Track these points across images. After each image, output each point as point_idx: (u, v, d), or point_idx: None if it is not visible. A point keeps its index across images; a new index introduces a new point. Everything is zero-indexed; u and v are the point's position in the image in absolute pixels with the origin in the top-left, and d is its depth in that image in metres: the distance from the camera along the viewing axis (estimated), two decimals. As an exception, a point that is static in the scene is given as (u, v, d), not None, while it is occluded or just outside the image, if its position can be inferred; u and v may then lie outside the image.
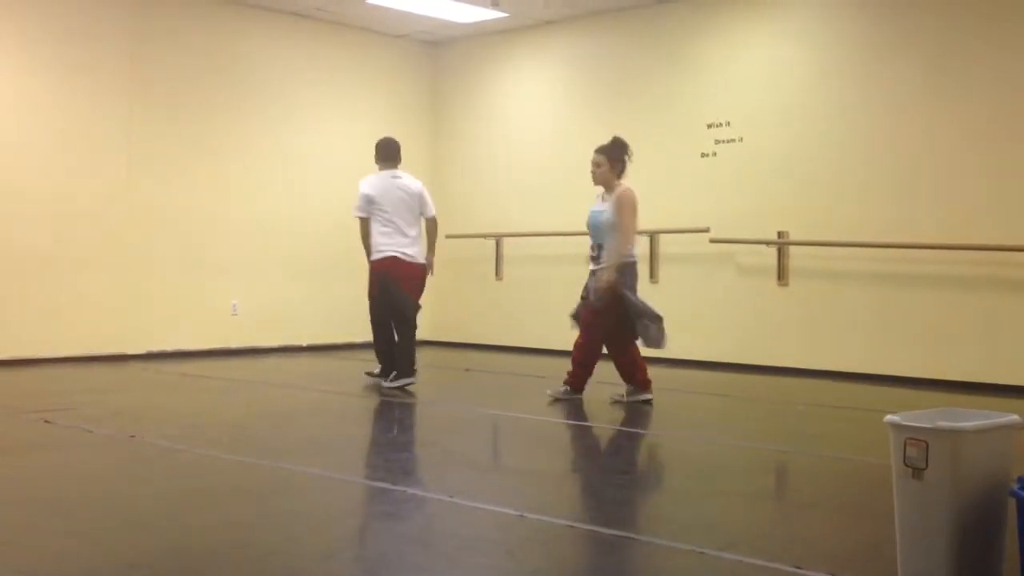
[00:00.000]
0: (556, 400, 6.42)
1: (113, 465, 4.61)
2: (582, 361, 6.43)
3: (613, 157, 6.44)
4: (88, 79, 8.76)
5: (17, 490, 4.08)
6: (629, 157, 6.50)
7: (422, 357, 9.90)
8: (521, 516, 3.63)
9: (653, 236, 9.09)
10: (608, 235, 6.32)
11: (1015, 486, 2.74)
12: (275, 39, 9.92)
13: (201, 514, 3.72)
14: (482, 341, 10.54)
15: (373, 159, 7.31)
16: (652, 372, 6.50)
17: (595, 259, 6.42)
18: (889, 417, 2.88)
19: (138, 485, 4.22)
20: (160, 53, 9.17)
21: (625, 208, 6.31)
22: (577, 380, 6.44)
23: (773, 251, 8.52)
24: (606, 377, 6.62)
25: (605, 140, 6.53)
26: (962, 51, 7.65)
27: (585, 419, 6.04)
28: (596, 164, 6.47)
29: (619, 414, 6.03)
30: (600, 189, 6.54)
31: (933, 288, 7.72)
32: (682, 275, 9.06)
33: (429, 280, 7.26)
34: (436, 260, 7.32)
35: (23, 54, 8.46)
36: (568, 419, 6.01)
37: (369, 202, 6.99)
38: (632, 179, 6.55)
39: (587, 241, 6.56)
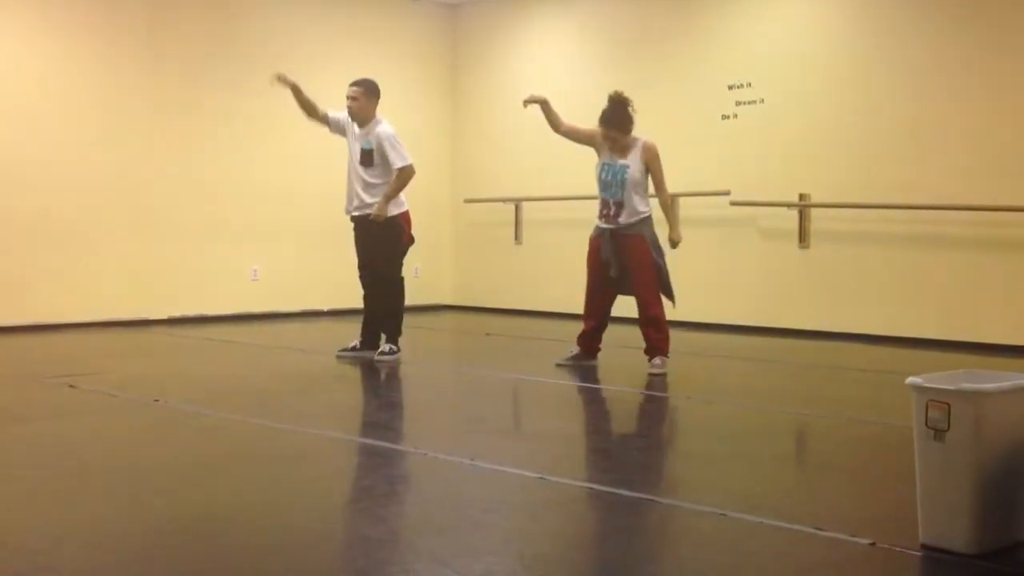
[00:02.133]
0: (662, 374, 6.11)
1: (138, 429, 4.66)
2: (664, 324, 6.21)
3: (622, 125, 6.15)
4: (108, 47, 8.77)
5: (43, 455, 4.13)
6: (633, 109, 6.20)
7: (442, 321, 9.97)
8: (542, 479, 3.65)
9: (673, 199, 9.01)
10: (634, 192, 6.12)
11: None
12: (292, 5, 9.88)
13: (224, 478, 3.76)
14: (502, 305, 10.55)
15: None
16: (673, 335, 6.47)
17: (610, 217, 6.17)
18: (911, 379, 2.87)
19: (163, 449, 4.26)
20: (178, 20, 9.16)
21: (659, 162, 6.18)
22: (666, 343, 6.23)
23: (794, 213, 8.47)
24: (630, 341, 6.62)
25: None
26: (988, 10, 7.54)
27: (605, 383, 6.05)
28: (612, 139, 6.18)
29: (639, 378, 6.03)
30: (604, 149, 6.28)
31: (955, 250, 7.67)
32: (703, 238, 9.02)
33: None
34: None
35: (43, 23, 8.48)
36: (588, 383, 6.02)
37: None
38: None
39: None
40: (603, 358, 6.49)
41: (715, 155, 8.91)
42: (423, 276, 10.66)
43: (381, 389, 6.22)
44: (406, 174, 6.73)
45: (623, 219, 6.14)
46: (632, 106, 6.22)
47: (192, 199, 9.23)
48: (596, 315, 6.39)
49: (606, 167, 6.23)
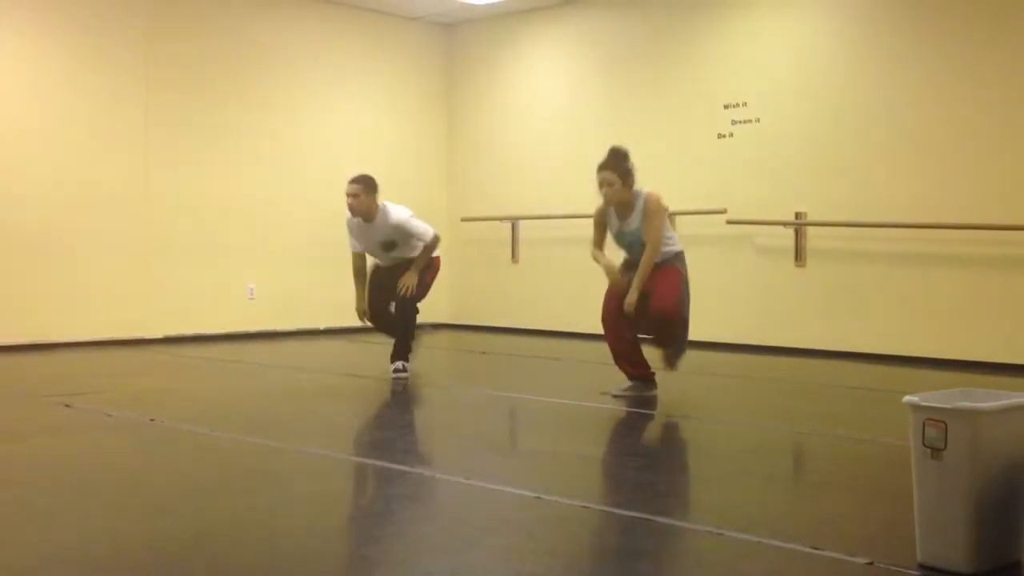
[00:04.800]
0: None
1: (133, 449, 4.64)
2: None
3: (622, 171, 5.77)
4: (104, 65, 8.79)
5: (38, 474, 4.11)
6: (632, 163, 5.82)
7: (438, 340, 9.95)
8: (538, 497, 3.63)
9: (670, 218, 9.04)
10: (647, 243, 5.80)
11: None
12: (289, 23, 9.92)
13: (220, 497, 3.75)
14: (498, 324, 10.55)
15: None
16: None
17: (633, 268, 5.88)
18: (908, 398, 2.87)
19: (159, 469, 4.24)
20: (175, 39, 9.19)
21: (655, 217, 5.74)
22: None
23: (791, 232, 8.48)
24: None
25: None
26: (983, 29, 7.58)
27: (601, 401, 6.03)
28: (608, 183, 5.75)
29: (635, 396, 6.00)
30: (612, 215, 5.95)
31: (952, 268, 7.68)
32: (699, 257, 8.96)
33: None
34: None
35: (39, 41, 8.50)
36: (584, 401, 6.00)
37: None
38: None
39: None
40: (599, 376, 6.47)
41: (711, 174, 8.93)
42: (420, 294, 10.65)
43: (377, 408, 6.21)
44: (436, 241, 6.87)
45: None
46: (630, 158, 5.84)
47: (189, 217, 9.24)
48: (620, 340, 5.93)
49: (621, 235, 5.90)
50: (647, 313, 5.78)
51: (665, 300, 5.72)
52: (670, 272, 5.83)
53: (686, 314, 5.86)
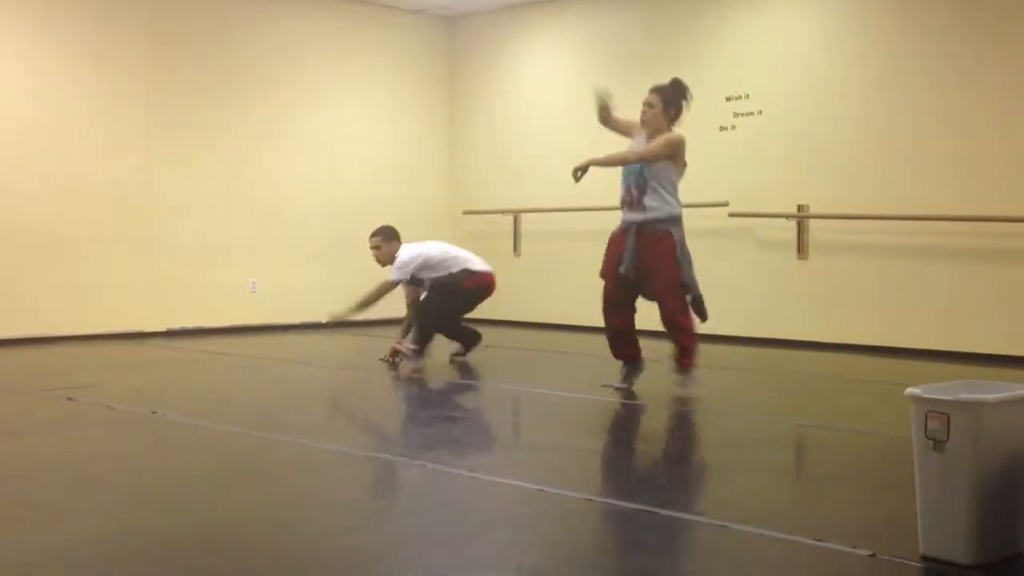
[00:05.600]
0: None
1: (135, 443, 4.64)
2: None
3: (668, 99, 5.72)
4: (105, 62, 8.77)
5: (40, 468, 4.11)
6: (687, 102, 5.81)
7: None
8: (540, 490, 3.64)
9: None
10: (657, 181, 5.66)
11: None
12: (290, 19, 9.90)
13: (223, 491, 3.75)
14: (501, 317, 10.53)
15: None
16: (670, 347, 6.45)
17: (633, 203, 5.67)
18: (910, 390, 2.87)
19: (161, 463, 4.25)
20: (176, 35, 9.17)
21: (667, 143, 5.66)
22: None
23: (792, 225, 8.47)
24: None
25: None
26: (983, 26, 7.56)
27: (603, 394, 6.03)
28: (648, 104, 5.73)
29: (636, 389, 6.01)
30: (640, 135, 5.87)
31: (954, 260, 7.67)
32: (700, 249, 8.88)
33: None
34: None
35: (40, 39, 8.48)
36: (586, 394, 6.01)
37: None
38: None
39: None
40: (601, 368, 6.47)
41: (713, 166, 8.90)
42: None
43: (378, 401, 6.21)
44: (383, 285, 7.06)
45: (648, 204, 5.65)
46: (688, 98, 5.84)
47: (191, 212, 9.23)
48: (617, 317, 5.87)
49: (629, 167, 5.77)
50: (648, 294, 5.78)
51: (675, 305, 5.71)
52: (667, 254, 5.70)
53: (687, 280, 5.79)
